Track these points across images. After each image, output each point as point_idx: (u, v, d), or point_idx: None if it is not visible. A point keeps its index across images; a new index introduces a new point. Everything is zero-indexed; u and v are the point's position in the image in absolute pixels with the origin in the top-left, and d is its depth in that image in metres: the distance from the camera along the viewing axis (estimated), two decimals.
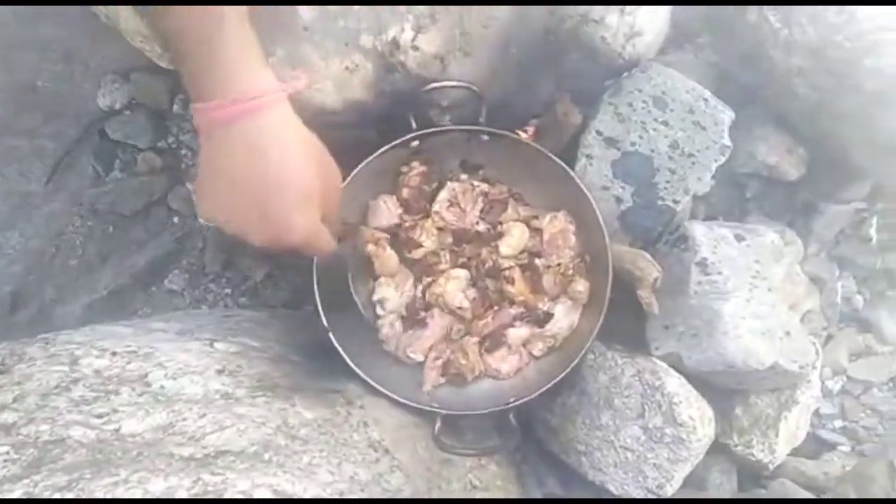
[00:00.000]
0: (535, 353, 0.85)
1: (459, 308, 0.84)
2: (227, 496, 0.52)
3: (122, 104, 1.12)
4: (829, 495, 0.75)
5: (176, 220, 1.12)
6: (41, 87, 1.09)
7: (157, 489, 0.50)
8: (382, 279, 0.85)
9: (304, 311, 1.01)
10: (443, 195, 0.84)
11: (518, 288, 0.83)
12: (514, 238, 0.84)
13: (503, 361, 0.84)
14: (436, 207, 0.84)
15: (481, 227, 0.85)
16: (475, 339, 0.85)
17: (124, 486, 0.50)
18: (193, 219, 1.12)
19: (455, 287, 0.83)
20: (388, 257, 0.83)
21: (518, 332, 0.84)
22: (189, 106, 1.10)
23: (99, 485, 0.49)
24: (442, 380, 0.84)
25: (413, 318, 0.85)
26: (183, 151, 1.12)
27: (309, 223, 0.61)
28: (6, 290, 1.11)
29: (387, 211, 0.84)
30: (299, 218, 0.60)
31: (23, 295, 1.12)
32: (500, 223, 0.85)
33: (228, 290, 1.10)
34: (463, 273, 0.84)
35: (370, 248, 0.83)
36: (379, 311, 0.86)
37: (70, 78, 1.10)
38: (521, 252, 0.84)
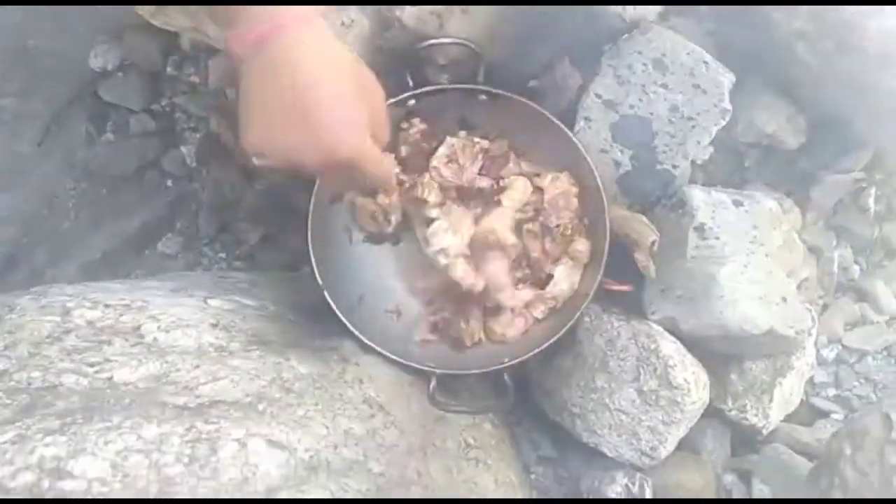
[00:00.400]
0: (538, 315, 0.84)
1: (513, 245, 0.81)
2: (221, 444, 0.52)
3: (115, 65, 1.10)
4: (824, 453, 0.76)
5: (170, 183, 1.11)
6: (32, 48, 1.07)
7: (150, 434, 0.50)
8: (437, 225, 0.81)
9: (300, 273, 1.00)
10: (442, 151, 0.83)
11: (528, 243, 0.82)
12: (517, 191, 0.83)
13: (509, 326, 0.83)
14: (434, 163, 0.83)
15: (483, 184, 0.84)
16: (478, 305, 0.84)
17: (117, 432, 0.49)
18: (188, 181, 1.11)
19: (504, 224, 0.81)
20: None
21: (521, 295, 0.84)
22: (182, 67, 1.10)
23: (91, 429, 0.49)
24: (433, 336, 0.84)
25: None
26: (177, 114, 1.11)
27: (358, 136, 0.59)
28: None
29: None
30: (348, 130, 0.58)
31: (15, 257, 1.11)
32: (502, 177, 0.84)
33: (223, 254, 1.09)
34: (509, 206, 0.83)
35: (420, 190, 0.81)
36: (442, 260, 0.81)
37: (62, 38, 1.08)
38: (525, 205, 0.83)
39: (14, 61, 1.06)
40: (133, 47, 1.09)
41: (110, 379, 0.55)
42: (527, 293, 0.84)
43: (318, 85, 0.57)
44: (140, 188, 1.11)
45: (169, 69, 1.10)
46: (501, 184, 0.83)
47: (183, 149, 1.10)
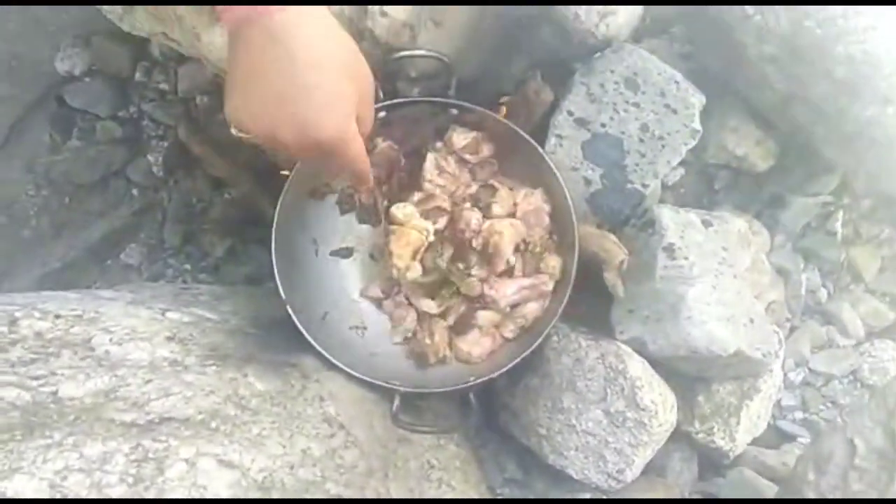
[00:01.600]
0: (507, 334, 0.83)
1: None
2: (168, 463, 0.50)
3: (82, 70, 1.08)
4: (788, 478, 0.75)
5: (135, 192, 1.09)
6: None
7: (92, 453, 0.48)
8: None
9: (265, 287, 0.98)
10: (429, 164, 0.82)
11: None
12: (504, 199, 0.82)
13: (475, 345, 0.82)
14: (427, 177, 0.82)
15: (474, 189, 0.84)
16: (445, 322, 0.83)
17: (57, 449, 0.47)
18: (154, 191, 1.09)
19: (510, 236, 0.81)
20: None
21: (488, 314, 0.82)
22: (151, 74, 1.08)
23: (30, 446, 0.46)
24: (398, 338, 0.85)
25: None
26: (144, 122, 1.09)
27: (341, 121, 0.58)
28: None
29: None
30: (331, 113, 0.57)
31: None
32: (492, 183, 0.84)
33: (188, 266, 1.07)
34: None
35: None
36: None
37: (27, 40, 1.06)
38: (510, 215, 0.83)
39: None
40: (102, 52, 1.07)
41: (55, 393, 0.53)
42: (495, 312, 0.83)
43: (317, 63, 0.55)
44: (104, 197, 1.09)
45: (138, 76, 1.08)
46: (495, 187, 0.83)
47: (150, 157, 1.08)
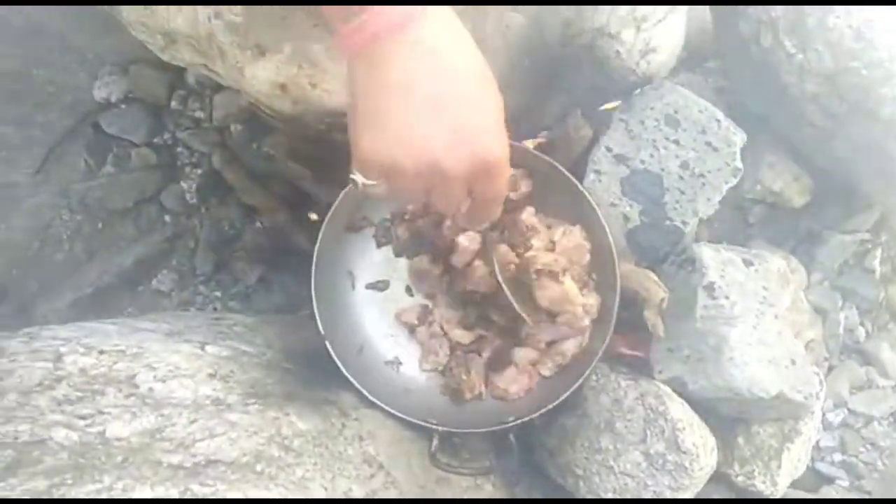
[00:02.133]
0: (545, 372, 0.82)
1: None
2: None
3: (119, 97, 1.09)
4: None
5: (168, 218, 1.09)
6: (35, 75, 1.06)
7: (142, 499, 0.47)
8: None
9: (297, 316, 0.97)
10: None
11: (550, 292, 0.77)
12: (543, 236, 0.81)
13: (512, 382, 0.81)
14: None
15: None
16: (481, 358, 0.82)
17: (107, 494, 0.46)
18: (186, 218, 1.09)
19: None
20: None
21: (525, 352, 0.81)
22: (187, 102, 1.08)
23: (81, 491, 0.46)
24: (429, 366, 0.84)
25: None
26: (179, 149, 1.10)
27: (506, 136, 0.50)
28: None
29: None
30: (501, 129, 0.49)
31: (4, 288, 1.08)
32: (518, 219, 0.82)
33: (218, 293, 1.07)
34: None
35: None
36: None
37: (66, 67, 1.07)
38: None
39: (15, 88, 1.05)
40: (139, 80, 1.08)
41: (102, 433, 0.52)
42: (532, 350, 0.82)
43: (474, 80, 0.48)
44: (137, 223, 1.09)
45: (174, 103, 1.09)
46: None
47: (183, 184, 1.08)
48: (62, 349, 0.60)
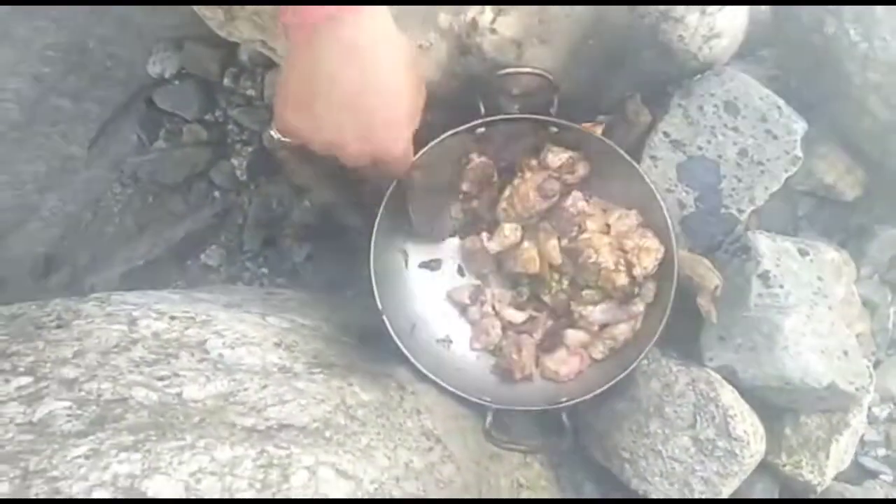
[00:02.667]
0: (596, 355, 0.82)
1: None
2: (292, 470, 0.50)
3: (172, 73, 1.11)
4: None
5: (217, 194, 1.11)
6: (91, 49, 1.07)
7: (223, 457, 0.48)
8: None
9: (345, 295, 0.99)
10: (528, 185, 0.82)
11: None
12: (597, 217, 0.82)
13: (562, 364, 0.81)
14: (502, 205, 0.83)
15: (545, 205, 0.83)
16: (532, 339, 0.82)
17: (190, 451, 0.48)
18: (236, 194, 1.10)
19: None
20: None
21: (577, 334, 0.82)
22: (239, 80, 1.09)
23: (165, 447, 0.47)
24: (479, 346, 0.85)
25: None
26: (230, 126, 1.11)
27: (409, 136, 0.58)
28: (40, 252, 1.09)
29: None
30: (405, 129, 0.57)
31: (56, 259, 1.10)
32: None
33: (265, 269, 1.08)
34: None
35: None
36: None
37: (122, 42, 1.08)
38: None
39: (72, 61, 1.06)
40: (192, 56, 1.09)
41: (180, 395, 0.54)
42: (583, 332, 0.82)
43: (389, 75, 0.55)
44: (187, 198, 1.11)
45: (226, 81, 1.10)
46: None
47: (233, 161, 1.10)
48: (135, 313, 0.61)
